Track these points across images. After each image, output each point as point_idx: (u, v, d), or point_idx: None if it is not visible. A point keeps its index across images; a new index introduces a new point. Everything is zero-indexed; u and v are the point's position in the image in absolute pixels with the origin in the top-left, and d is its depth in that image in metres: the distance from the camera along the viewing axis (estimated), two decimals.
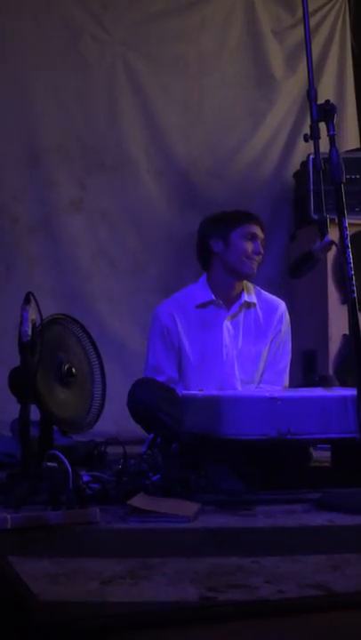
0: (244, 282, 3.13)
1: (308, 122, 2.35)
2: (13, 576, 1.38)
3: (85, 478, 2.22)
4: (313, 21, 4.75)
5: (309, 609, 1.24)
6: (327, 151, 2.28)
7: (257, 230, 3.06)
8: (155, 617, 1.19)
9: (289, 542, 1.77)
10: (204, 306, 3.10)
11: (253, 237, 3.05)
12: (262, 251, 3.07)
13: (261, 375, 3.09)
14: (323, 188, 2.38)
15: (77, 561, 1.52)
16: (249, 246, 3.03)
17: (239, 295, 3.11)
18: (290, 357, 3.16)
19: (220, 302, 3.09)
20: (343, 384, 3.27)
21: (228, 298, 3.10)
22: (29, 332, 2.36)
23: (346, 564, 1.48)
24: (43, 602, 1.23)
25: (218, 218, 3.13)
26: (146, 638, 1.13)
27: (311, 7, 4.35)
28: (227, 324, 3.08)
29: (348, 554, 1.58)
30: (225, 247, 3.06)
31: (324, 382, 3.04)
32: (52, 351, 2.54)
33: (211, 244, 3.09)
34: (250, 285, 3.15)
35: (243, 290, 3.11)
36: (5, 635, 1.27)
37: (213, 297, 3.09)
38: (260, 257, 3.07)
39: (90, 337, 2.68)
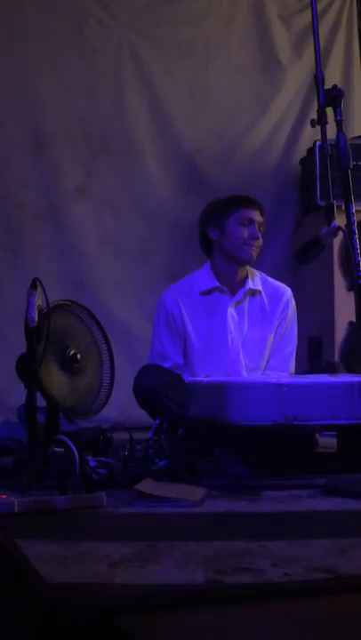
0: (249, 269, 3.12)
1: (314, 108, 2.34)
2: (21, 559, 1.39)
3: (92, 463, 2.22)
4: (319, 7, 4.72)
5: (316, 592, 1.25)
6: (334, 137, 2.27)
7: (253, 214, 3.04)
8: (162, 599, 1.20)
9: (295, 527, 1.77)
10: (208, 292, 3.10)
11: (250, 222, 3.03)
12: (259, 235, 3.04)
13: (267, 362, 3.09)
14: (330, 173, 2.37)
15: (85, 544, 1.53)
16: (245, 232, 3.02)
17: (243, 282, 3.10)
18: (296, 344, 3.16)
19: (225, 289, 3.08)
20: (349, 370, 3.27)
21: (231, 284, 3.10)
22: (35, 318, 2.36)
23: (352, 548, 1.48)
24: (51, 584, 1.24)
25: (214, 205, 3.13)
26: (153, 620, 1.13)
27: None
28: (231, 310, 3.08)
29: (354, 538, 1.58)
30: (221, 235, 3.05)
31: (330, 369, 3.05)
32: (58, 337, 2.54)
33: (208, 233, 3.09)
34: (255, 272, 3.15)
35: (247, 277, 3.11)
36: (14, 617, 1.28)
37: (217, 283, 3.08)
38: (259, 241, 3.05)
39: (98, 323, 2.67)
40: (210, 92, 4.83)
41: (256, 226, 3.04)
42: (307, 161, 4.59)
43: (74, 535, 1.62)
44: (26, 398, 2.41)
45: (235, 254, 3.04)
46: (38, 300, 2.37)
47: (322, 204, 4.12)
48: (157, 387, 2.88)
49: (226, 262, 3.08)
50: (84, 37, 4.63)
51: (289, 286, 3.21)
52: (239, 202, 3.07)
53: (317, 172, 4.26)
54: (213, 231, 3.07)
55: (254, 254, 3.05)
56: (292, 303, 3.15)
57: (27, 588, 1.30)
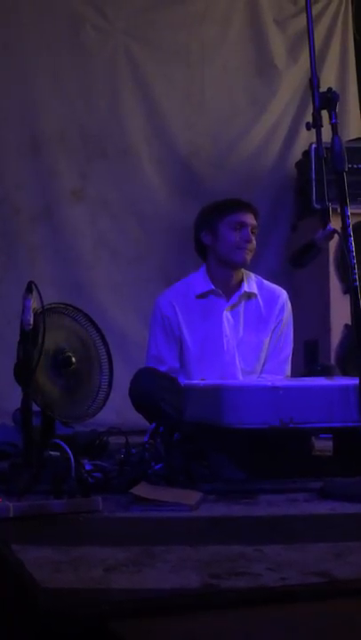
0: (244, 272, 3.12)
1: (309, 111, 2.34)
2: (17, 564, 1.38)
3: (88, 467, 2.22)
4: (315, 10, 4.73)
5: (311, 596, 1.25)
6: (329, 140, 2.27)
7: (246, 218, 3.03)
8: (157, 604, 1.20)
9: (291, 530, 1.77)
10: (203, 296, 3.10)
11: (242, 226, 3.02)
12: (252, 238, 3.03)
13: (263, 365, 3.09)
14: (325, 176, 2.37)
15: (80, 549, 1.52)
16: (237, 235, 3.01)
17: (239, 285, 3.10)
18: (292, 347, 3.15)
19: (220, 292, 3.08)
20: (345, 374, 3.27)
21: (227, 288, 3.09)
22: (31, 321, 2.36)
23: (348, 552, 1.48)
24: (46, 589, 1.24)
25: (206, 210, 3.13)
26: (149, 625, 1.13)
27: None
28: (226, 314, 3.07)
29: (350, 542, 1.58)
30: (214, 239, 3.05)
31: (326, 372, 3.04)
32: (53, 340, 2.54)
33: (202, 237, 3.09)
34: (250, 275, 3.15)
35: (242, 280, 3.10)
36: (10, 621, 1.27)
37: (213, 287, 3.08)
38: (252, 244, 3.04)
39: (95, 325, 2.67)
40: (206, 96, 4.83)
41: (249, 229, 3.03)
42: (302, 164, 4.59)
43: (69, 540, 1.62)
44: (21, 402, 2.41)
45: (228, 258, 3.05)
46: (34, 304, 2.37)
47: (317, 207, 4.13)
48: (153, 390, 2.88)
49: (220, 266, 3.08)
50: (80, 41, 4.63)
51: (285, 289, 3.20)
52: (231, 206, 3.07)
53: (313, 176, 4.26)
54: (206, 236, 3.08)
55: (248, 257, 3.05)
56: (288, 306, 3.15)
57: (23, 594, 1.29)
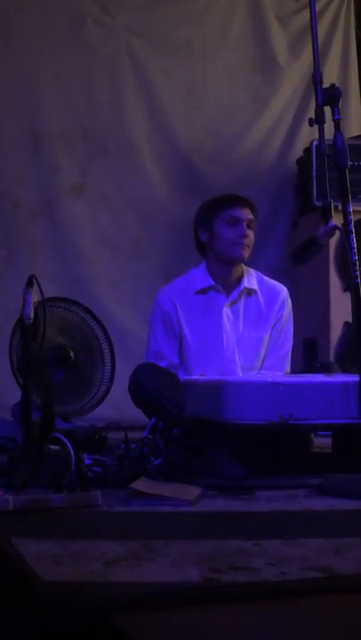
0: (244, 267, 3.12)
1: (311, 108, 2.34)
2: (17, 557, 1.38)
3: (87, 462, 2.22)
4: (317, 7, 4.66)
5: (311, 591, 1.25)
6: (331, 137, 2.26)
7: (240, 213, 3.02)
8: (157, 597, 1.20)
9: (291, 526, 1.77)
10: (203, 292, 3.09)
11: (237, 221, 3.01)
12: (248, 232, 3.01)
13: (263, 361, 3.09)
14: (327, 172, 2.36)
15: (80, 543, 1.53)
16: (232, 231, 3.01)
17: (239, 281, 3.10)
18: (291, 343, 3.15)
19: (220, 288, 3.08)
20: (344, 371, 3.27)
21: (227, 284, 3.09)
22: (31, 316, 2.36)
23: (347, 548, 1.49)
24: (47, 582, 1.24)
25: (203, 207, 3.13)
26: (149, 618, 1.13)
27: None
28: (226, 310, 3.07)
29: (349, 538, 1.58)
30: (211, 236, 3.05)
31: (325, 369, 3.04)
32: (53, 334, 2.54)
33: (200, 235, 3.09)
34: (250, 271, 3.14)
35: (242, 276, 3.10)
36: (10, 614, 1.27)
37: (213, 282, 3.08)
38: (249, 239, 3.03)
39: (97, 320, 2.67)
40: (207, 92, 4.82)
41: (245, 224, 3.02)
42: (303, 161, 4.59)
43: (69, 533, 1.62)
44: (21, 396, 2.41)
45: (225, 255, 3.04)
46: (35, 298, 2.37)
47: (317, 204, 4.12)
48: (153, 386, 2.88)
49: (219, 263, 3.08)
50: (82, 37, 4.61)
51: (285, 286, 3.20)
52: (225, 201, 3.06)
53: (314, 173, 4.25)
54: (204, 233, 3.07)
55: (245, 253, 3.04)
56: (288, 303, 3.14)
57: (23, 586, 1.29)
